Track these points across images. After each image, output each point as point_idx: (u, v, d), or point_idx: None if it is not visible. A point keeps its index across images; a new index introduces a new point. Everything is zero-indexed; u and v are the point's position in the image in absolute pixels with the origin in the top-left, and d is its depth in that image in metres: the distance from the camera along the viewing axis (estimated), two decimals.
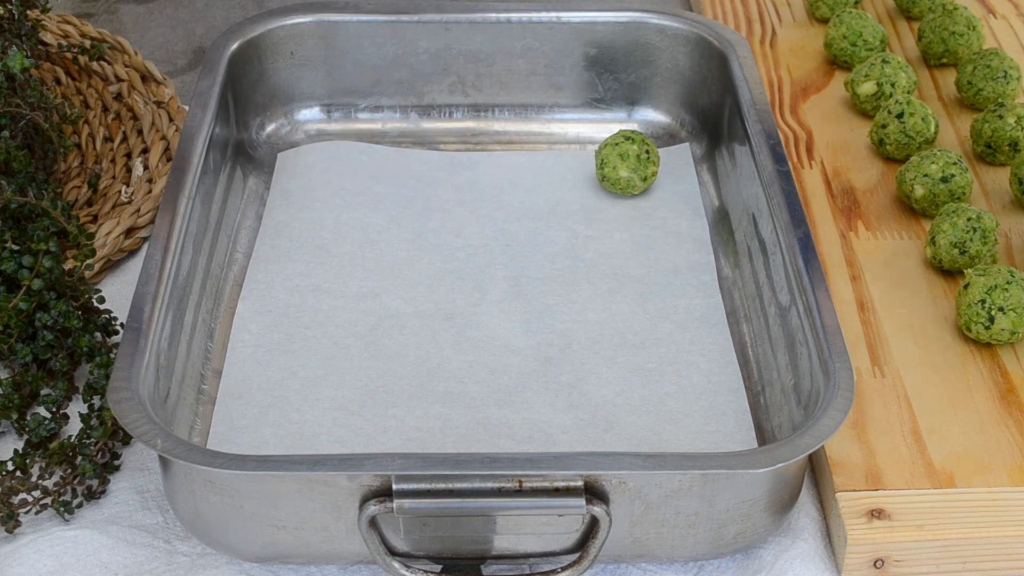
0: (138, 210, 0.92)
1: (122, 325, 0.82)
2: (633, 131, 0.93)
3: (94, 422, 0.76)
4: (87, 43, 1.05)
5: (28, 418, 0.77)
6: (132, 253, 0.91)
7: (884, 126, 0.95)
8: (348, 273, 0.86)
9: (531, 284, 0.86)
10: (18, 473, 0.74)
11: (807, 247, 0.78)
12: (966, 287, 0.81)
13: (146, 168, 0.96)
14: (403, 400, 0.78)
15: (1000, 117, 0.94)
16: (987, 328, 0.80)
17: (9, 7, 0.96)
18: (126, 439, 0.78)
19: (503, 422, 0.77)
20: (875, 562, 0.71)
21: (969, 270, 0.82)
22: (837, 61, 1.06)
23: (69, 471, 0.74)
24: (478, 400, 0.78)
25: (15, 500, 0.73)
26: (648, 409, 0.78)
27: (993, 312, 0.80)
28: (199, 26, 1.17)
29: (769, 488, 0.68)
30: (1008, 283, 0.80)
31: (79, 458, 0.75)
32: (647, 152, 0.92)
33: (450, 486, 0.66)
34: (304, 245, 0.88)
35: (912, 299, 0.85)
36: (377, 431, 0.76)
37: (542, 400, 0.78)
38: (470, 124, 1.00)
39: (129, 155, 0.97)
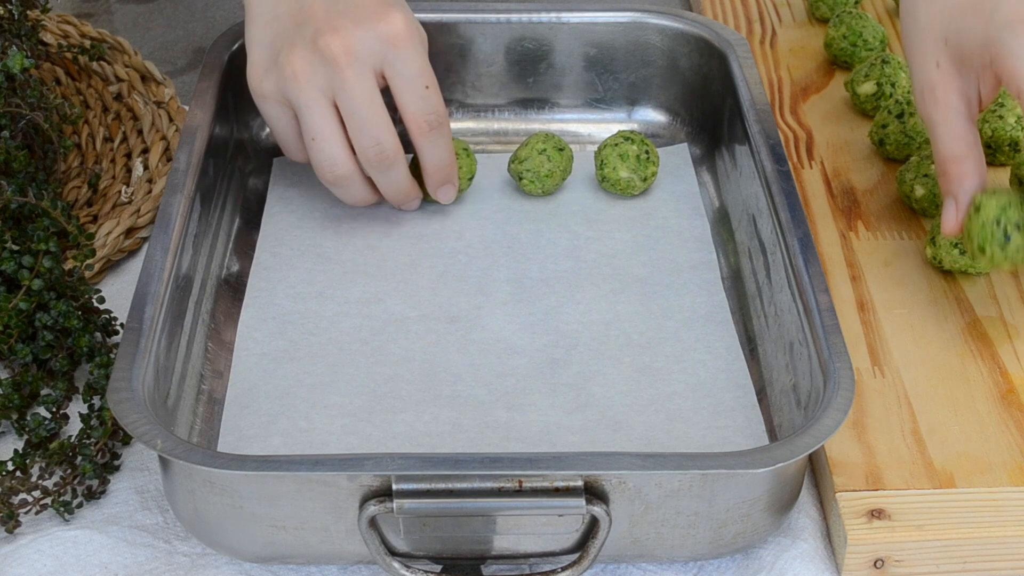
0: (138, 210, 0.92)
1: (122, 325, 0.82)
2: (632, 131, 0.93)
3: (94, 422, 0.76)
4: (87, 43, 1.05)
5: (28, 418, 0.77)
6: (132, 253, 0.91)
7: (884, 126, 0.95)
8: (351, 279, 0.86)
9: (534, 286, 0.86)
10: (18, 473, 0.74)
11: (807, 247, 0.78)
12: (977, 210, 0.78)
13: (146, 168, 0.96)
14: (411, 405, 0.78)
15: (1000, 117, 0.94)
16: (1003, 248, 0.78)
17: (9, 7, 0.96)
18: (126, 439, 0.78)
19: (512, 425, 0.77)
20: (875, 562, 0.71)
21: (977, 195, 0.79)
22: (837, 61, 1.06)
23: (69, 471, 0.74)
24: (486, 403, 0.78)
25: (15, 500, 0.73)
26: (657, 408, 0.78)
27: (1009, 230, 0.77)
28: (199, 26, 1.17)
29: (769, 488, 0.68)
30: (1021, 202, 0.78)
31: (79, 458, 0.75)
32: (647, 152, 0.92)
33: (450, 486, 0.66)
34: (306, 252, 0.88)
35: (912, 299, 0.85)
36: (387, 437, 0.76)
37: (549, 402, 0.78)
38: (470, 124, 1.00)
39: (129, 155, 0.97)
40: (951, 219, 0.80)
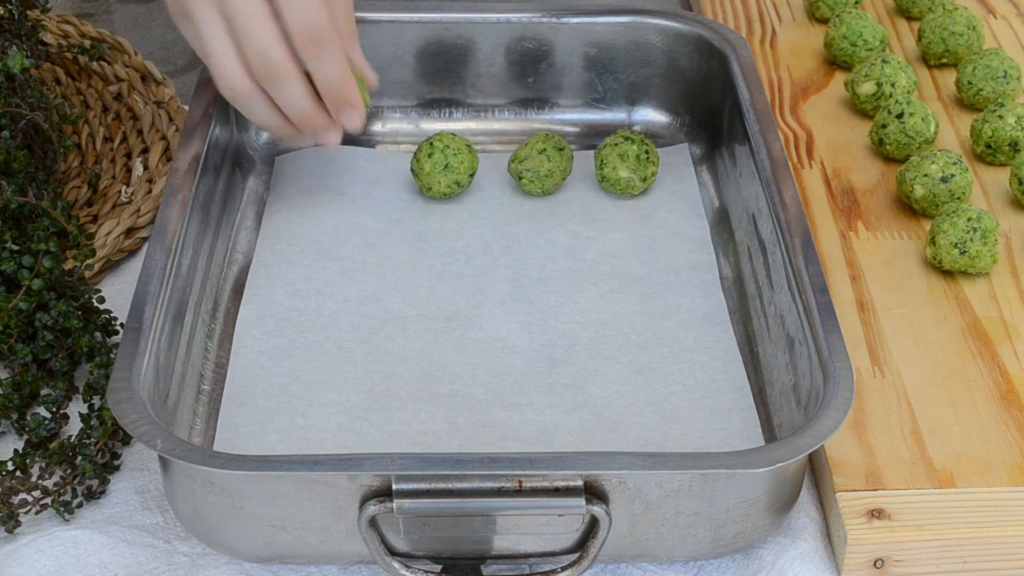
0: (138, 210, 0.92)
1: (122, 325, 0.82)
2: (632, 131, 0.93)
3: (94, 422, 0.76)
4: (87, 43, 1.05)
5: (28, 418, 0.77)
6: (132, 253, 0.91)
7: (884, 126, 0.95)
8: (350, 277, 0.86)
9: (532, 285, 0.86)
10: (18, 473, 0.74)
11: (807, 247, 0.78)
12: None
13: (146, 168, 0.96)
14: (408, 404, 0.78)
15: (1000, 117, 0.94)
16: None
17: (9, 7, 0.96)
18: (126, 439, 0.78)
19: (508, 424, 0.77)
20: (875, 562, 0.71)
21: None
22: (837, 61, 1.06)
23: (69, 471, 0.74)
24: (483, 403, 0.78)
25: (15, 500, 0.73)
26: (654, 409, 0.78)
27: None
28: None
29: (769, 488, 0.68)
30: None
31: (79, 458, 0.75)
32: (646, 152, 0.92)
33: (450, 486, 0.66)
34: (305, 250, 0.88)
35: (912, 299, 0.85)
36: (383, 435, 0.76)
37: (546, 402, 0.78)
38: (470, 124, 1.00)
39: (129, 155, 0.97)
40: None
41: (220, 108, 0.90)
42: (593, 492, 0.66)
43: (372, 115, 1.00)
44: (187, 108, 1.01)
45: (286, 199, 0.92)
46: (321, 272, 0.87)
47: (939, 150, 0.91)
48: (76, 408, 0.80)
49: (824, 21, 1.11)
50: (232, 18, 0.79)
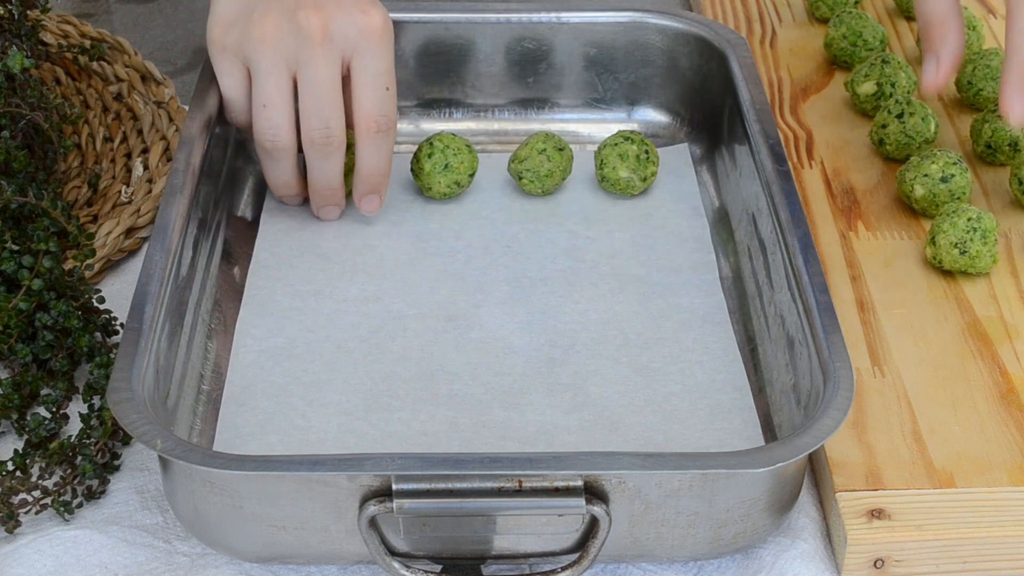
0: (138, 210, 0.92)
1: (122, 325, 0.82)
2: (632, 131, 0.93)
3: (94, 422, 0.76)
4: (87, 43, 1.05)
5: (28, 418, 0.77)
6: (132, 253, 0.91)
7: (884, 126, 0.95)
8: (349, 277, 0.86)
9: (532, 285, 0.86)
10: (18, 473, 0.74)
11: (807, 247, 0.78)
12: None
13: (146, 168, 0.96)
14: (408, 404, 0.78)
15: (1000, 117, 0.94)
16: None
17: (9, 7, 0.96)
18: (126, 439, 0.78)
19: (508, 424, 0.77)
20: (875, 562, 0.71)
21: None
22: (837, 61, 1.06)
23: (69, 471, 0.74)
24: (483, 403, 0.78)
25: (15, 500, 0.73)
26: (653, 409, 0.78)
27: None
28: (199, 26, 1.17)
29: (769, 488, 0.68)
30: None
31: (79, 458, 0.75)
32: (646, 152, 0.92)
33: (450, 486, 0.66)
34: (305, 251, 0.88)
35: (912, 299, 0.85)
36: (383, 436, 0.76)
37: (547, 402, 0.78)
38: (470, 124, 1.00)
39: (129, 155, 0.97)
40: (931, 75, 0.86)
41: (220, 108, 0.90)
42: (593, 492, 0.66)
43: None
44: (187, 108, 1.01)
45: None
46: (321, 272, 0.87)
47: (939, 150, 0.91)
48: (76, 408, 0.80)
49: (824, 21, 1.11)
50: (308, 83, 0.82)
